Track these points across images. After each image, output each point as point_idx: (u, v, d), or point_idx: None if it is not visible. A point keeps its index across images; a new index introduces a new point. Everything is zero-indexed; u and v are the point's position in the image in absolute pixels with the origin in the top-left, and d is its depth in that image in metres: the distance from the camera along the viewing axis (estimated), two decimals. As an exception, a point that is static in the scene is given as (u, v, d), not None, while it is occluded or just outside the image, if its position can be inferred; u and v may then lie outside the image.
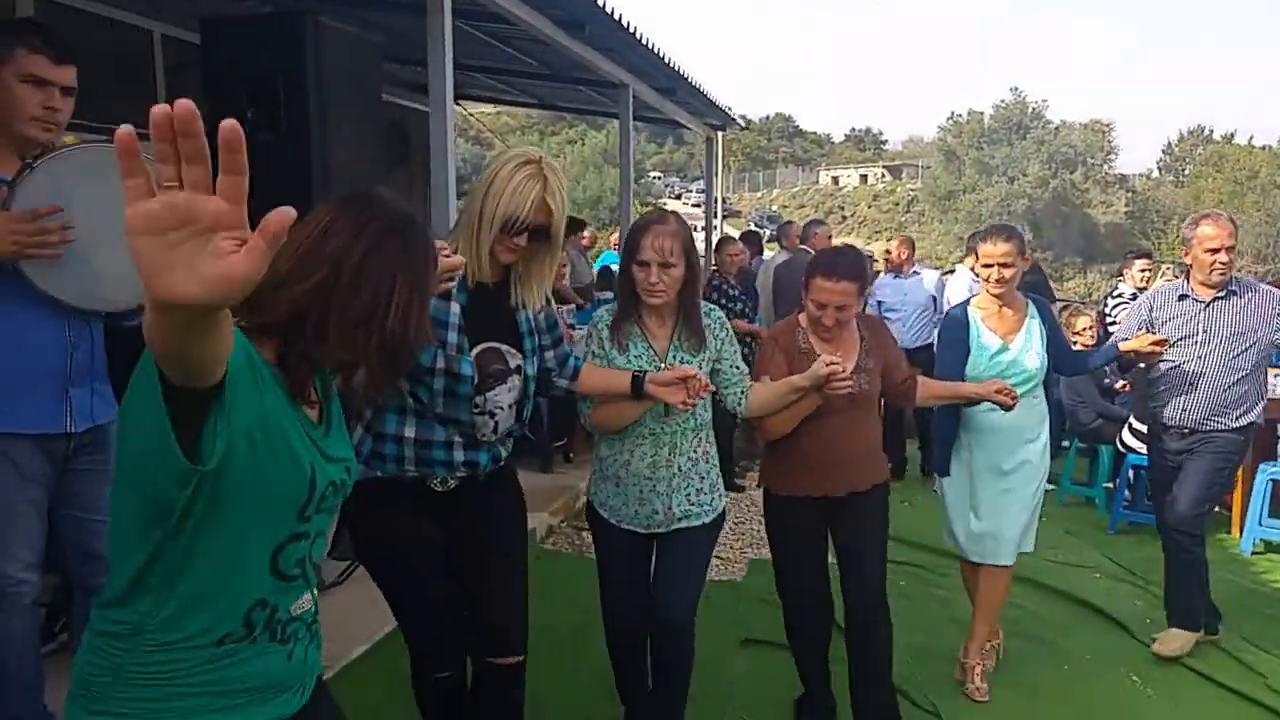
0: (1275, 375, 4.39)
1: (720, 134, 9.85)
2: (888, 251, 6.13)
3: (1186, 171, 43.80)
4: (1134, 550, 4.47)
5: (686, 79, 6.81)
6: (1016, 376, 2.83)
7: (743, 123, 10.33)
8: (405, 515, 1.94)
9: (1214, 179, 38.85)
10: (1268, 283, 3.64)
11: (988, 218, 33.49)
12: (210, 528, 1.00)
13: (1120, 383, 5.42)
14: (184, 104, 0.65)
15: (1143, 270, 6.22)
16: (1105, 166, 42.21)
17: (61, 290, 1.94)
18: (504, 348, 1.99)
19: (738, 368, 2.40)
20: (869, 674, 2.58)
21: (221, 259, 0.69)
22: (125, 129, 0.65)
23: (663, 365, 2.24)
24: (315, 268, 1.11)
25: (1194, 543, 3.16)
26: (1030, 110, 42.16)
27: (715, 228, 9.90)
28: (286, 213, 0.70)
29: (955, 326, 2.98)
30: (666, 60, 6.09)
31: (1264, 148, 40.21)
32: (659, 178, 52.98)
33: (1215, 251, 3.09)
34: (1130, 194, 42.26)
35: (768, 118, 67.13)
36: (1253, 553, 4.56)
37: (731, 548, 4.45)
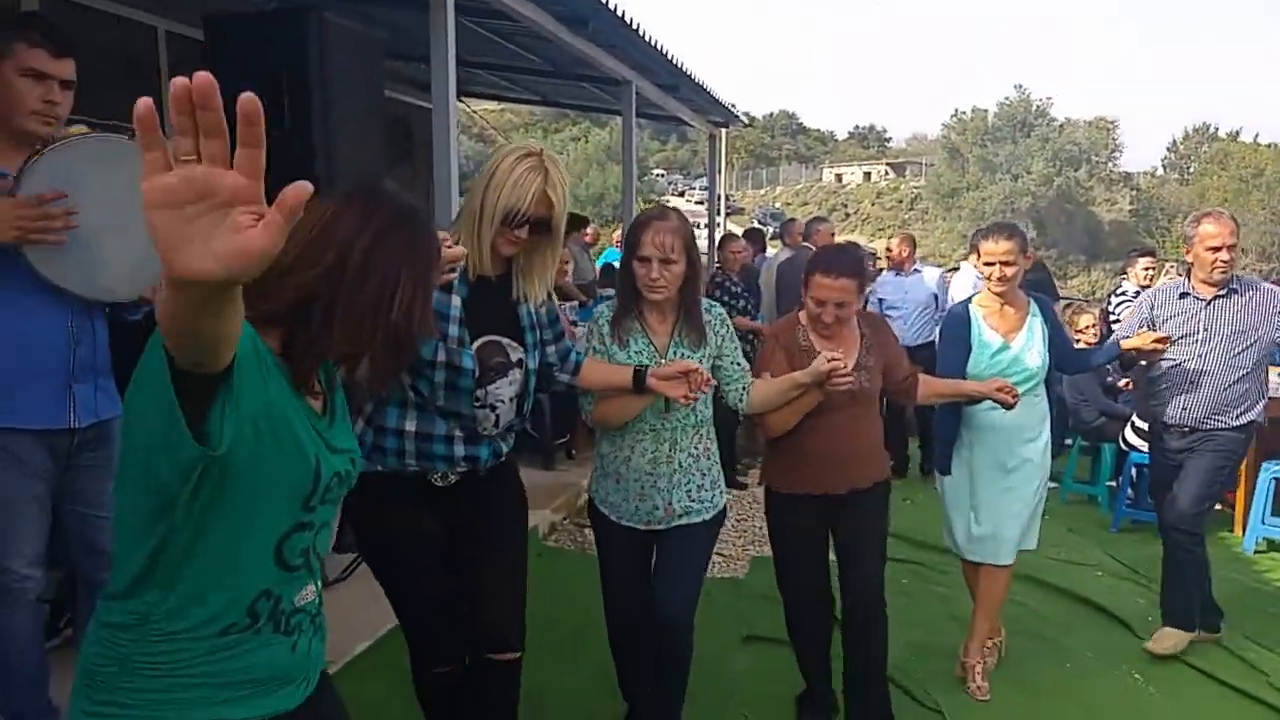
0: (1278, 374, 4.38)
1: (723, 131, 9.84)
2: (889, 249, 6.12)
3: (1191, 169, 43.65)
4: (1136, 548, 4.46)
5: (689, 76, 6.81)
6: (1018, 375, 2.83)
7: (746, 120, 10.33)
8: (406, 510, 1.94)
9: (1219, 177, 38.71)
10: (1272, 281, 3.64)
11: (991, 215, 33.43)
12: (215, 517, 1.01)
13: (1123, 381, 5.41)
14: (203, 76, 0.65)
15: (1146, 268, 6.22)
16: (1110, 164, 42.08)
17: (64, 278, 1.93)
18: (505, 341, 1.98)
19: (739, 364, 2.40)
20: (866, 673, 2.58)
21: (239, 233, 0.69)
22: (145, 101, 0.65)
23: (663, 361, 2.24)
24: (321, 257, 1.11)
25: (1193, 542, 3.16)
26: (1035, 108, 42.05)
27: (718, 225, 9.89)
28: (304, 187, 0.70)
29: (957, 324, 2.97)
30: (669, 57, 6.09)
31: (1269, 145, 40.04)
32: (662, 175, 52.97)
33: (1216, 250, 3.08)
34: (1135, 192, 42.14)
35: (771, 115, 67.12)
36: (1255, 551, 4.56)
37: (734, 545, 4.46)
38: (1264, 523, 4.58)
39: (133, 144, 1.97)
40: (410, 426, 1.90)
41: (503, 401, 1.97)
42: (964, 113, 44.12)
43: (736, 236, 6.57)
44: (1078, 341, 5.31)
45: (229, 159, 0.68)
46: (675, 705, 2.40)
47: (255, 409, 0.99)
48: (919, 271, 5.97)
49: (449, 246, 1.68)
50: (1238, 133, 42.38)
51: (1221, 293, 3.14)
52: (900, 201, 48.18)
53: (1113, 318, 5.88)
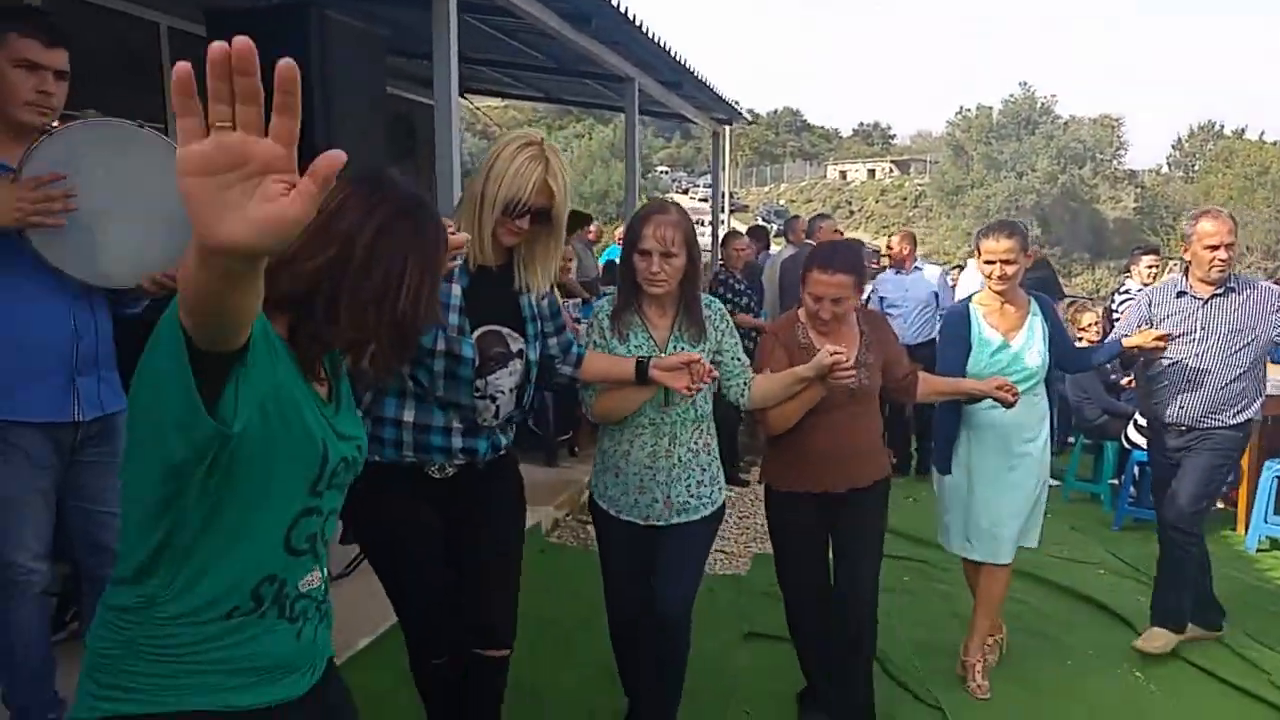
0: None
1: (727, 128, 9.84)
2: (889, 247, 6.11)
3: (1196, 167, 43.49)
4: (1138, 546, 4.46)
5: (692, 72, 6.81)
6: (1017, 374, 2.83)
7: (750, 116, 10.31)
8: (404, 500, 1.93)
9: (1224, 175, 38.55)
10: (1277, 279, 3.62)
11: (995, 213, 33.34)
12: (224, 501, 1.01)
13: (1126, 379, 5.41)
14: (242, 41, 0.65)
15: (1150, 266, 6.21)
16: (1115, 162, 41.96)
17: (64, 260, 1.93)
18: (506, 331, 1.97)
19: (739, 359, 2.40)
20: (856, 673, 2.58)
21: (272, 202, 0.68)
22: (183, 65, 0.65)
23: (663, 355, 2.23)
24: (326, 245, 1.11)
25: (1190, 541, 3.15)
26: (1039, 105, 41.93)
27: (722, 222, 9.88)
28: (336, 156, 0.69)
29: (957, 322, 2.97)
30: (672, 54, 6.09)
31: (1275, 143, 39.87)
32: (666, 172, 52.94)
33: (1214, 249, 3.07)
34: (1139, 190, 42.00)
35: (775, 112, 67.03)
36: (1258, 550, 4.55)
37: (736, 542, 4.46)
38: (1266, 521, 4.58)
39: (137, 129, 1.98)
40: (408, 417, 1.89)
41: (503, 392, 1.96)
42: (968, 110, 44.02)
43: (740, 234, 6.56)
44: (1080, 340, 5.31)
45: (264, 127, 0.68)
46: (673, 701, 2.41)
47: (264, 392, 0.99)
48: (919, 269, 5.96)
49: (452, 234, 1.68)
50: (1243, 130, 42.21)
51: (1219, 291, 3.13)
52: (904, 199, 48.08)
53: (1116, 316, 5.87)
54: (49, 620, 2.25)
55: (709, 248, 9.00)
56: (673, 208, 2.27)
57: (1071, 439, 5.65)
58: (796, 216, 8.37)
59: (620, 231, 9.74)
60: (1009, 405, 2.67)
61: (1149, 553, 4.12)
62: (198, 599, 1.03)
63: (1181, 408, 3.16)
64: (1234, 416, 3.12)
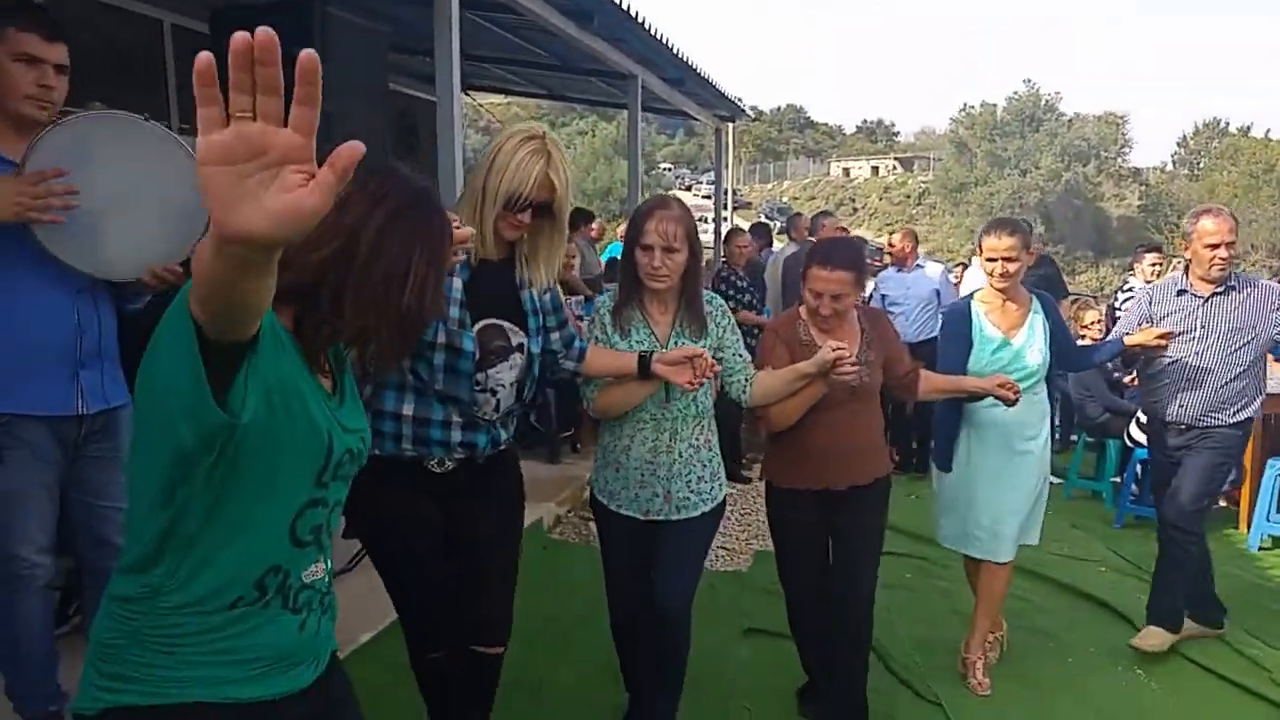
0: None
1: (729, 125, 9.83)
2: (891, 244, 6.10)
3: (1201, 165, 43.34)
4: (1140, 544, 4.45)
5: (695, 69, 6.80)
6: (1018, 372, 2.82)
7: (753, 114, 10.31)
8: (404, 493, 1.93)
9: (1229, 172, 38.42)
10: (1280, 278, 3.62)
11: (999, 210, 33.26)
12: (230, 491, 1.01)
13: (1129, 377, 5.40)
14: (265, 31, 0.65)
15: (1153, 264, 6.19)
16: (1119, 160, 41.83)
17: (65, 251, 1.93)
18: (506, 325, 1.97)
19: (741, 356, 2.40)
20: (853, 669, 2.58)
21: (290, 192, 0.69)
22: (205, 55, 0.65)
23: (665, 351, 2.23)
24: (331, 237, 1.11)
25: (1190, 540, 3.15)
26: (1043, 102, 41.81)
27: (725, 219, 9.88)
28: (356, 147, 0.70)
29: (958, 320, 2.97)
30: (675, 50, 6.08)
31: (1280, 141, 39.75)
32: (669, 169, 52.88)
33: (1215, 247, 3.07)
34: (1144, 187, 41.88)
35: (779, 109, 66.93)
36: (1260, 548, 4.54)
37: (737, 538, 4.47)
38: (1269, 520, 4.57)
39: (141, 122, 1.99)
40: (407, 410, 1.89)
41: (503, 386, 1.96)
42: (972, 107, 43.92)
43: (742, 231, 6.56)
44: (1082, 337, 5.30)
45: (284, 118, 0.68)
46: (674, 697, 2.41)
47: (270, 382, 1.00)
48: (921, 267, 5.95)
49: (457, 228, 1.69)
50: (1248, 128, 42.03)
51: (1219, 290, 3.12)
52: (908, 196, 47.99)
53: (1118, 314, 5.86)
54: (52, 614, 2.27)
55: (712, 245, 9.00)
56: (675, 203, 2.27)
57: (1074, 437, 5.64)
58: (799, 214, 8.37)
59: (623, 229, 9.73)
60: (1010, 403, 2.67)
61: (1150, 551, 4.11)
62: (202, 588, 1.04)
63: (1181, 406, 3.16)
64: (1234, 415, 3.11)
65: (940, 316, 5.53)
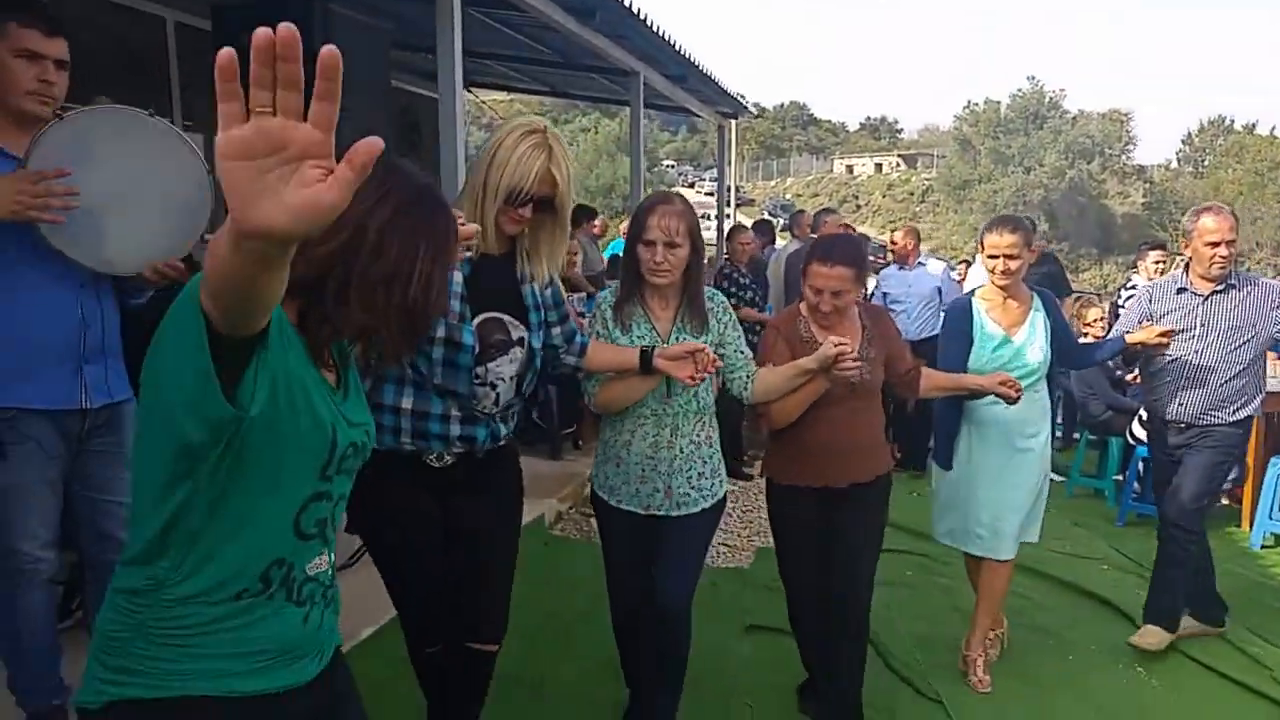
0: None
1: (732, 122, 9.82)
2: (893, 242, 6.10)
3: (1206, 163, 43.19)
4: (1142, 542, 4.44)
5: (697, 66, 6.80)
6: (1019, 370, 2.82)
7: (755, 110, 10.30)
8: (404, 487, 1.93)
9: (1234, 170, 38.27)
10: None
11: (1003, 208, 33.15)
12: (234, 484, 1.02)
13: (1131, 375, 5.39)
14: (287, 27, 0.66)
15: (1157, 262, 6.17)
16: (1123, 157, 41.70)
17: (67, 244, 1.94)
18: (507, 319, 1.97)
19: (742, 352, 2.40)
20: (852, 666, 2.58)
21: (308, 187, 0.69)
22: (227, 51, 0.66)
23: (665, 346, 2.23)
24: (336, 232, 1.10)
25: (1190, 539, 3.14)
26: (1047, 99, 41.68)
27: (728, 216, 9.88)
28: (375, 143, 0.70)
29: (959, 317, 2.96)
30: (677, 47, 6.08)
31: (1286, 139, 39.57)
32: (672, 166, 52.82)
33: (1215, 245, 3.06)
34: (1148, 185, 41.75)
35: (781, 106, 66.82)
36: (1262, 546, 4.54)
37: (739, 535, 4.47)
38: (1271, 518, 4.56)
39: (146, 117, 2.00)
40: (406, 404, 1.89)
41: (503, 380, 1.96)
42: (976, 104, 43.77)
43: (745, 228, 6.56)
44: (1085, 335, 5.29)
45: (303, 113, 0.69)
46: (674, 693, 2.42)
47: (276, 376, 1.00)
48: (923, 265, 5.95)
49: (461, 224, 1.69)
50: (1254, 126, 41.86)
51: (1219, 288, 3.12)
52: (911, 193, 47.89)
53: (1122, 311, 5.84)
54: (55, 608, 2.28)
55: (714, 242, 9.00)
56: (677, 199, 2.27)
57: (1077, 434, 5.63)
58: (802, 211, 8.37)
59: (626, 225, 9.74)
60: (1012, 401, 2.66)
61: (1152, 548, 4.11)
62: (206, 581, 1.04)
63: (1181, 404, 3.16)
64: (1234, 413, 3.11)
65: (942, 314, 5.53)
